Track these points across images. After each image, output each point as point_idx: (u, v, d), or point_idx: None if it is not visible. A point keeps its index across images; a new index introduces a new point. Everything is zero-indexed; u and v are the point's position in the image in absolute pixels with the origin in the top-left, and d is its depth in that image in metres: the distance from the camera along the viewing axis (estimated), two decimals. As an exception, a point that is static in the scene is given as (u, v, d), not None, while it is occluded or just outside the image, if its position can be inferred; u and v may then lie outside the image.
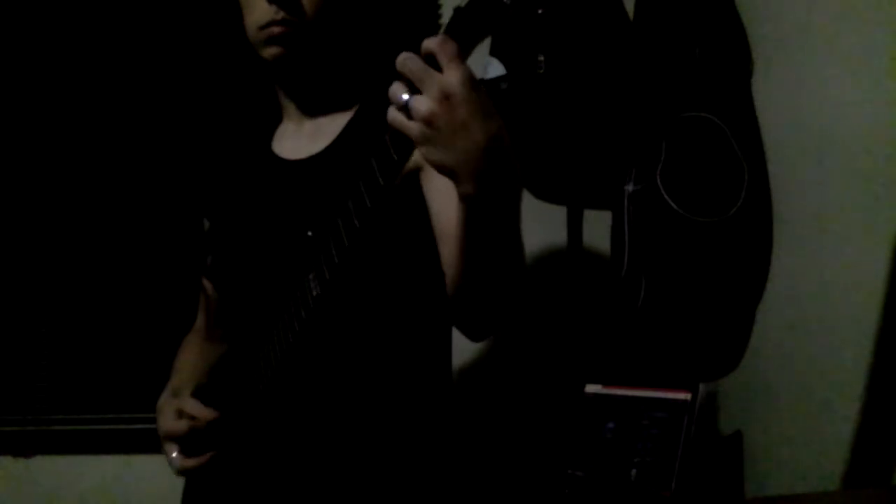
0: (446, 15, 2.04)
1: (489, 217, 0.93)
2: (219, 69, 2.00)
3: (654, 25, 1.51)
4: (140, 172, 2.12)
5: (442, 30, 0.86)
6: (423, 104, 0.84)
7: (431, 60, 0.84)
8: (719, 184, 1.40)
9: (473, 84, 0.84)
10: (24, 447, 2.04)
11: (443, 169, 0.88)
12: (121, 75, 2.14)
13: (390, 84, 0.88)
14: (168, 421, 1.27)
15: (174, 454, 1.26)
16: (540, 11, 0.81)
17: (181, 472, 1.28)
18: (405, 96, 0.85)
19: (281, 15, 1.18)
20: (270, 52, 1.21)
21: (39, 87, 2.14)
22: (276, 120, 1.36)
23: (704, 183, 1.41)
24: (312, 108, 1.29)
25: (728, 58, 1.46)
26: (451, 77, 0.83)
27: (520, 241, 1.02)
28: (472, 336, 1.18)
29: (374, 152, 0.93)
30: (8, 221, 2.13)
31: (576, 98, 1.47)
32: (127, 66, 2.14)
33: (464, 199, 0.91)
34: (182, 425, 1.24)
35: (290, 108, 1.32)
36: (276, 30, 1.19)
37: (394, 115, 0.87)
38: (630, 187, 1.46)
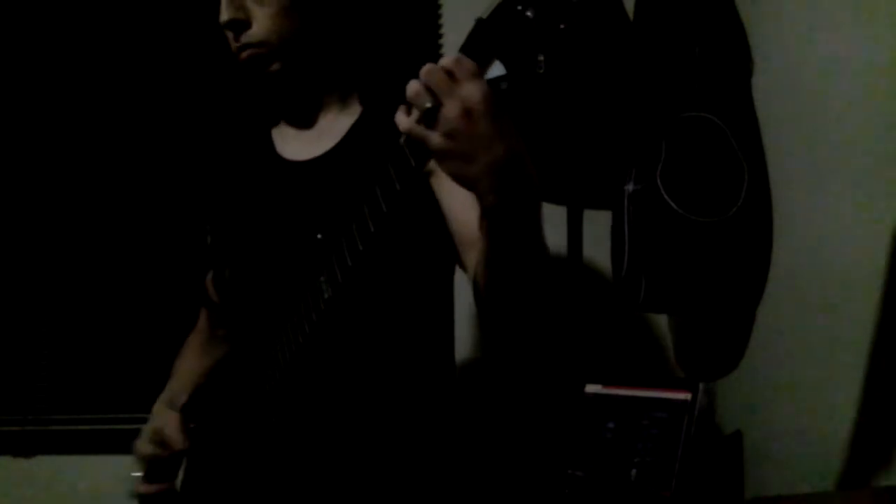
0: (446, 16, 2.04)
1: (512, 226, 0.93)
2: (218, 71, 2.00)
3: (654, 25, 1.51)
4: (139, 172, 2.13)
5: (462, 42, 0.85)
6: (450, 116, 0.83)
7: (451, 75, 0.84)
8: (719, 184, 1.40)
9: (494, 101, 0.84)
10: (24, 447, 2.04)
11: (464, 181, 0.88)
12: (123, 77, 2.14)
13: (396, 86, 0.87)
14: (142, 441, 1.29)
15: (138, 474, 1.27)
16: (562, 26, 0.80)
17: (135, 496, 1.29)
18: (429, 104, 0.84)
19: (239, 42, 1.17)
20: (250, 73, 1.20)
21: (42, 89, 2.14)
22: (272, 120, 1.35)
23: (704, 183, 1.41)
24: (314, 111, 1.29)
25: (728, 58, 1.46)
26: (474, 92, 0.83)
27: (544, 244, 1.02)
28: (508, 337, 1.18)
29: (391, 158, 0.92)
30: (9, 222, 2.13)
31: (576, 98, 1.47)
32: (130, 68, 2.14)
33: (486, 210, 0.91)
34: (147, 450, 1.26)
35: (290, 111, 1.31)
36: (242, 55, 1.19)
37: (411, 124, 0.86)
38: (630, 187, 1.46)
